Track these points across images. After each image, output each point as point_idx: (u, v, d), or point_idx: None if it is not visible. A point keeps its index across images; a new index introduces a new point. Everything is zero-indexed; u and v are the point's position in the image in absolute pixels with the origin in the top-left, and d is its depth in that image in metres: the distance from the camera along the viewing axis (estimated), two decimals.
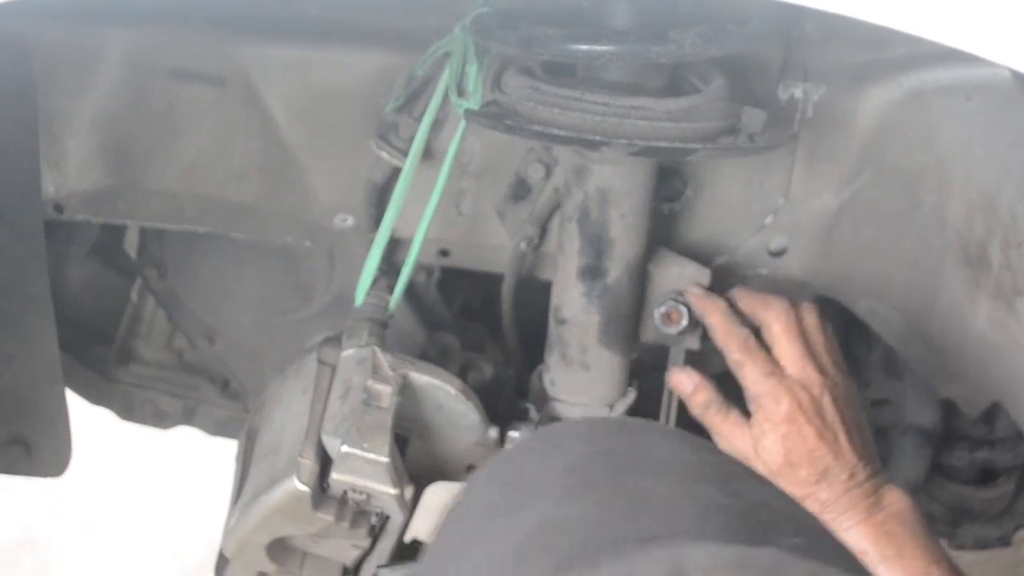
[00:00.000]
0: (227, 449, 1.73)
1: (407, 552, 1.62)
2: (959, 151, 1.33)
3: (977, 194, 1.32)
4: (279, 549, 1.50)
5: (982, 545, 1.95)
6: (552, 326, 1.51)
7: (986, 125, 1.29)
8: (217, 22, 1.50)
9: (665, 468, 0.77)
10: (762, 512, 0.71)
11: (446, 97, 1.41)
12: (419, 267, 1.66)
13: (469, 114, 1.33)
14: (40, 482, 1.76)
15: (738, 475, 0.78)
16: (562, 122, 1.25)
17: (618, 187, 1.39)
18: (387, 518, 1.45)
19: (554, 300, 1.49)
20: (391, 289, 1.50)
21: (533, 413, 1.53)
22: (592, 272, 1.44)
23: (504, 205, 1.56)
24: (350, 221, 1.60)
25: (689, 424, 1.62)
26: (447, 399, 1.43)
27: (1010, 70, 1.11)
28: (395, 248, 1.55)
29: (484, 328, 1.73)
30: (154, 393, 2.04)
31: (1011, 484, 1.85)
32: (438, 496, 1.37)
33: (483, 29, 1.31)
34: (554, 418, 1.53)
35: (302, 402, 1.45)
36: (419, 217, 1.45)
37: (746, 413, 1.42)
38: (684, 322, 1.49)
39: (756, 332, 1.43)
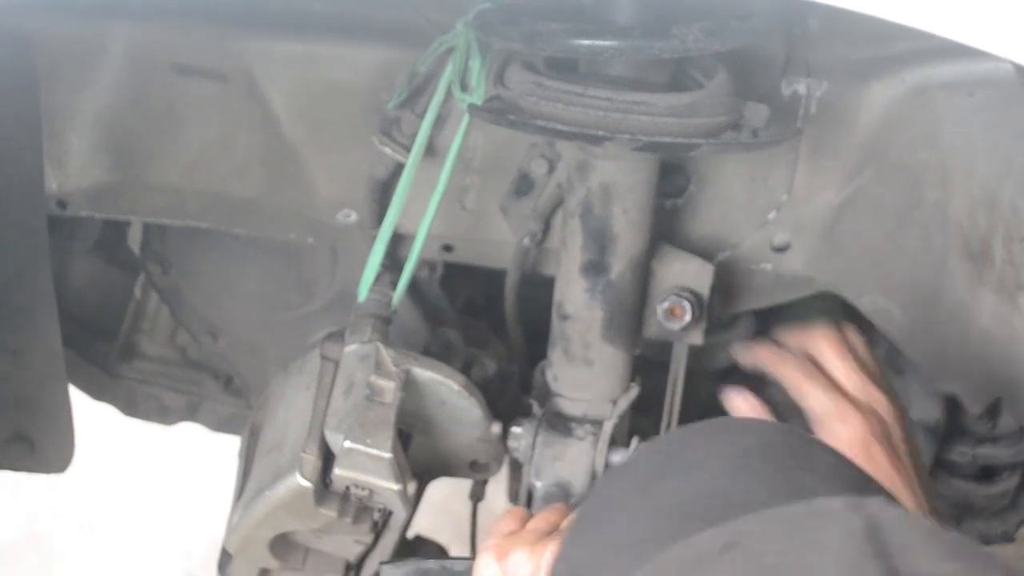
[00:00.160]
0: (230, 445, 1.73)
1: (410, 548, 1.62)
2: (962, 147, 1.33)
3: (979, 189, 1.32)
4: (282, 545, 1.50)
5: (985, 541, 1.94)
6: (555, 322, 1.50)
7: (989, 120, 1.29)
8: (219, 17, 1.50)
9: (828, 473, 0.78)
10: None
11: (449, 93, 1.41)
12: (422, 263, 1.65)
13: (472, 109, 1.33)
14: (43, 479, 1.76)
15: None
16: (565, 117, 1.25)
17: (621, 182, 1.39)
18: (390, 514, 1.45)
19: (557, 296, 1.49)
20: (394, 285, 1.50)
21: (536, 409, 1.53)
22: (595, 268, 1.44)
23: (507, 201, 1.56)
24: (353, 217, 1.60)
25: (691, 417, 1.62)
26: (450, 395, 1.43)
27: (1013, 65, 1.11)
28: (398, 244, 1.55)
29: (487, 324, 1.73)
30: (157, 389, 2.04)
31: (1014, 480, 1.85)
32: None
33: (486, 24, 1.31)
34: (557, 414, 1.53)
35: (305, 398, 1.45)
36: (422, 213, 1.45)
37: None
38: (687, 318, 1.49)
39: None
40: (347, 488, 1.38)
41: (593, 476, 1.48)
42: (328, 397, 1.42)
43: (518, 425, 1.50)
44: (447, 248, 1.62)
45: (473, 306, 1.81)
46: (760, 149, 1.34)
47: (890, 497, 0.80)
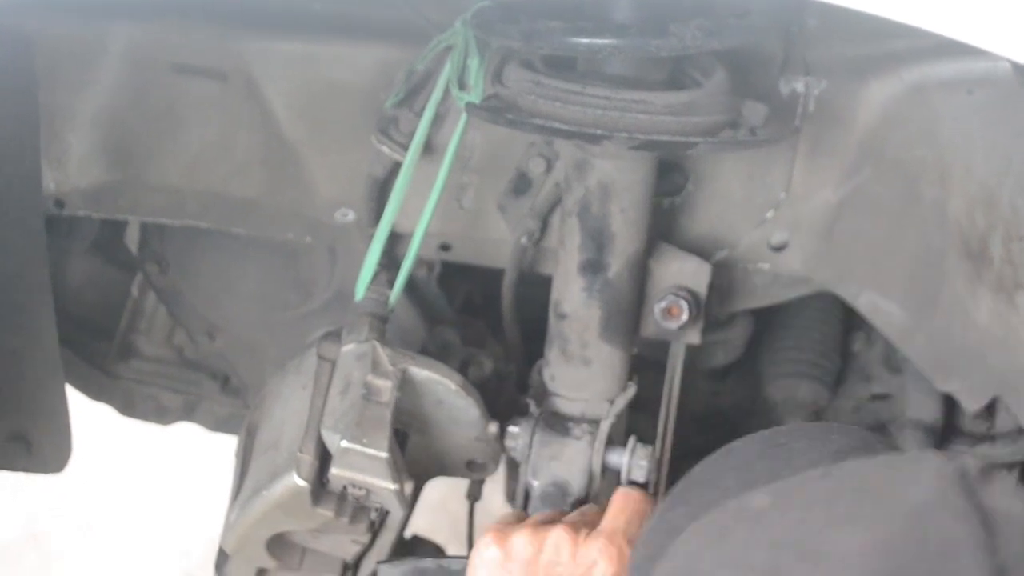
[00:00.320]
0: (228, 445, 1.73)
1: (407, 548, 1.62)
2: (960, 145, 1.33)
3: (978, 188, 1.32)
4: (279, 545, 1.50)
5: None
6: (552, 321, 1.50)
7: (987, 119, 1.28)
8: (219, 17, 1.50)
9: None
10: None
11: (447, 91, 1.41)
12: (420, 262, 1.66)
13: (470, 108, 1.33)
14: (42, 479, 1.76)
15: None
16: (563, 116, 1.24)
17: (619, 181, 1.39)
18: (387, 513, 1.45)
19: (554, 295, 1.49)
20: (392, 284, 1.50)
21: (533, 408, 1.52)
22: (593, 267, 1.44)
23: (505, 199, 1.56)
24: (351, 216, 1.60)
25: (688, 417, 1.63)
26: (447, 394, 1.43)
27: (1011, 63, 1.11)
28: (396, 243, 1.56)
29: (485, 323, 1.73)
30: (155, 389, 2.04)
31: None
32: None
33: (484, 23, 1.31)
34: (554, 413, 1.53)
35: (302, 398, 1.45)
36: (420, 212, 1.45)
37: None
38: (684, 317, 1.49)
39: None
40: (344, 488, 1.38)
41: (590, 476, 1.48)
42: (325, 396, 1.42)
43: (515, 424, 1.50)
44: (445, 247, 1.62)
45: (471, 305, 1.81)
46: (758, 147, 1.34)
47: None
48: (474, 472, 1.53)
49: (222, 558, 1.55)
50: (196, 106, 1.58)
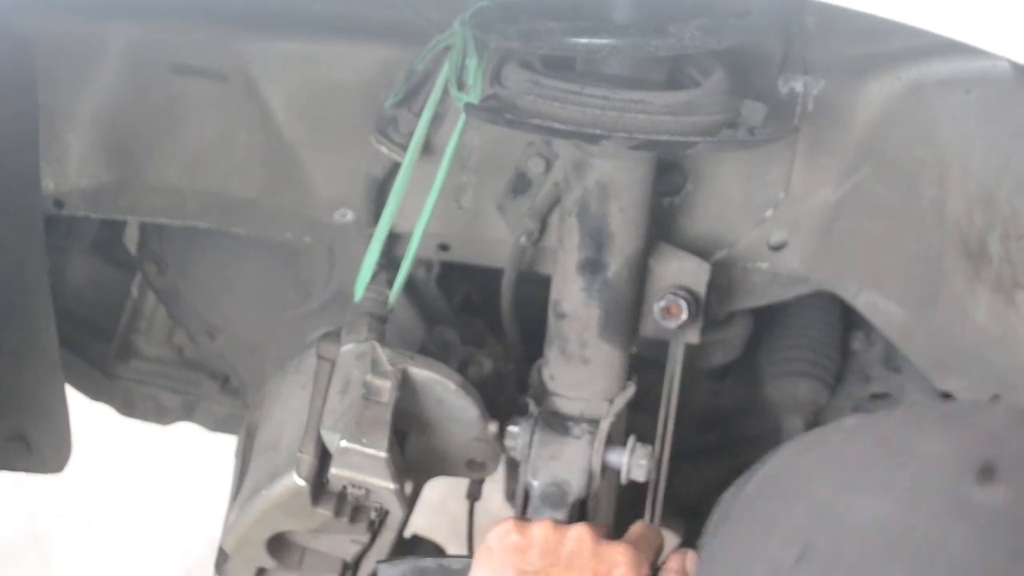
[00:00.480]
0: (228, 445, 1.73)
1: (407, 547, 1.62)
2: (959, 144, 1.33)
3: (977, 187, 1.32)
4: (278, 544, 1.50)
5: None
6: (552, 320, 1.50)
7: (986, 118, 1.29)
8: (218, 17, 1.50)
9: None
10: None
11: (446, 91, 1.41)
12: (419, 262, 1.66)
13: (469, 108, 1.33)
14: (42, 478, 1.76)
15: None
16: (562, 116, 1.24)
17: (618, 181, 1.39)
18: (386, 513, 1.45)
19: (554, 294, 1.49)
20: (391, 284, 1.50)
21: (533, 408, 1.52)
22: (592, 266, 1.44)
23: (504, 199, 1.56)
24: (350, 216, 1.60)
25: (687, 416, 1.63)
26: (447, 394, 1.43)
27: (1009, 62, 1.11)
28: (395, 243, 1.56)
29: (484, 323, 1.73)
30: (154, 389, 2.04)
31: None
32: None
33: (483, 23, 1.31)
34: (554, 413, 1.53)
35: (301, 397, 1.45)
36: (419, 212, 1.45)
37: None
38: (684, 316, 1.49)
39: None
40: (344, 487, 1.38)
41: (590, 475, 1.48)
42: (324, 396, 1.42)
43: (515, 424, 1.50)
44: (443, 247, 1.62)
45: (470, 305, 1.81)
46: (757, 147, 1.34)
47: None
48: (474, 472, 1.53)
49: (222, 558, 1.55)
50: (196, 106, 1.58)
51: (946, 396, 1.68)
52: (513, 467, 1.66)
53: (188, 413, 2.06)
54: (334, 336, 1.47)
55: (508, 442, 1.50)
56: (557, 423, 1.51)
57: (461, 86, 1.38)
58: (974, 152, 1.31)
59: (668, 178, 1.51)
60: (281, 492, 1.40)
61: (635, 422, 1.58)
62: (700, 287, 1.51)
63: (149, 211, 1.69)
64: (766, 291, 1.60)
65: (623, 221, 1.41)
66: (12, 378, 1.64)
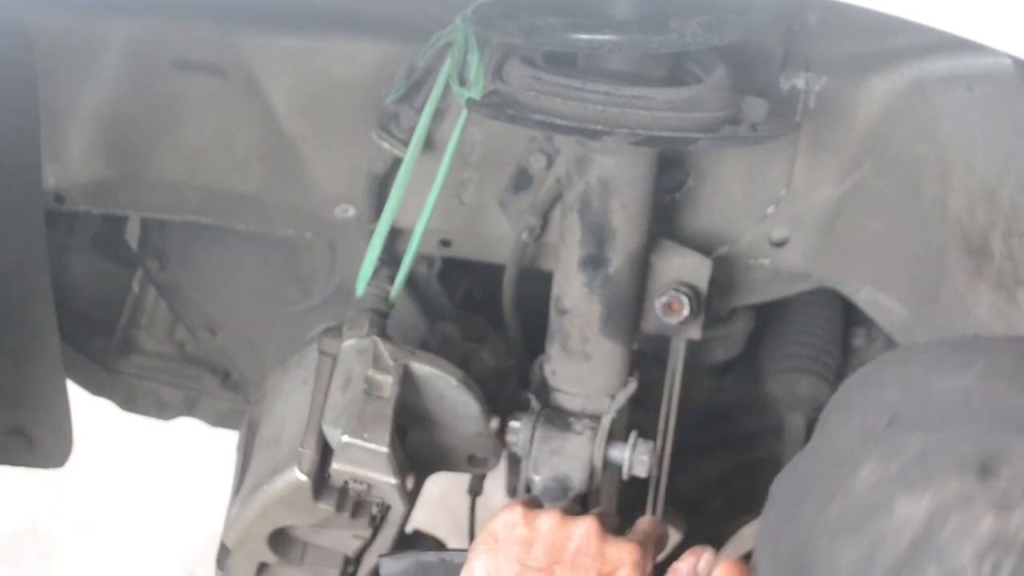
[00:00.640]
0: (229, 440, 1.73)
1: (408, 543, 1.62)
2: (961, 141, 1.33)
3: (979, 184, 1.32)
4: (280, 540, 1.50)
5: None
6: (553, 316, 1.50)
7: (988, 115, 1.29)
8: (219, 13, 1.50)
9: None
10: None
11: (447, 87, 1.41)
12: (420, 257, 1.66)
13: (471, 104, 1.33)
14: (43, 474, 1.76)
15: None
16: (563, 111, 1.25)
17: (619, 177, 1.39)
18: (388, 508, 1.45)
19: (555, 290, 1.49)
20: (392, 280, 1.50)
21: (534, 403, 1.52)
22: (593, 262, 1.44)
23: (506, 195, 1.56)
24: (351, 212, 1.60)
25: (689, 412, 1.63)
26: (448, 389, 1.43)
27: (1012, 59, 1.11)
28: (396, 239, 1.56)
29: (485, 319, 1.73)
30: (155, 384, 2.04)
31: None
32: None
33: (484, 19, 1.31)
34: (556, 408, 1.53)
35: (303, 393, 1.45)
36: (420, 207, 1.45)
37: None
38: (685, 312, 1.49)
39: None
40: (345, 482, 1.38)
41: (591, 471, 1.48)
42: (326, 391, 1.42)
43: (516, 419, 1.50)
44: (445, 243, 1.62)
45: (471, 301, 1.81)
46: (759, 143, 1.34)
47: None
48: (475, 467, 1.53)
49: (223, 553, 1.55)
50: (196, 102, 1.58)
51: None
52: (514, 462, 1.66)
53: (189, 408, 2.06)
54: (335, 331, 1.47)
55: (509, 437, 1.50)
56: (559, 419, 1.51)
57: (463, 82, 1.38)
58: (976, 149, 1.31)
59: (670, 174, 1.51)
60: (283, 487, 1.40)
61: (637, 418, 1.58)
62: (702, 283, 1.51)
63: (150, 207, 1.69)
64: (768, 287, 1.60)
65: (625, 217, 1.41)
66: (13, 373, 1.64)
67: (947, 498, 0.66)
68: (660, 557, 1.27)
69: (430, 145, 1.50)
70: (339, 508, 1.40)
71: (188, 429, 2.16)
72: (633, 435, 1.50)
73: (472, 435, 1.47)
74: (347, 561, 1.55)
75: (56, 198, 1.66)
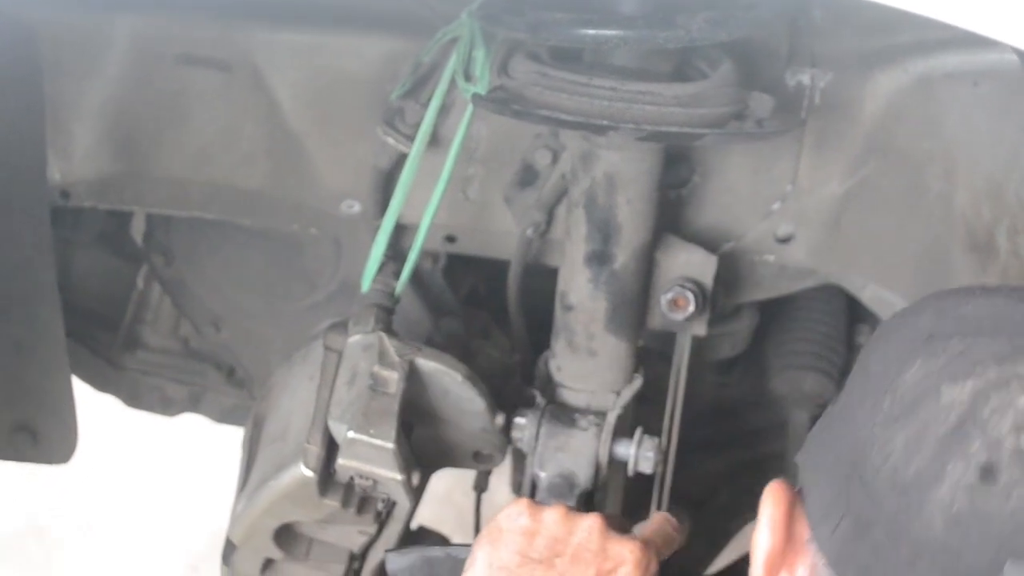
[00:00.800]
0: (233, 436, 1.73)
1: (413, 539, 1.62)
2: (966, 137, 1.33)
3: (984, 181, 1.32)
4: (286, 535, 1.51)
5: None
6: (558, 312, 1.50)
7: (993, 111, 1.29)
8: (224, 7, 1.50)
9: None
10: None
11: (453, 83, 1.41)
12: (425, 253, 1.65)
13: (476, 99, 1.33)
14: (46, 472, 1.76)
15: None
16: (569, 107, 1.24)
17: (625, 172, 1.39)
18: (393, 504, 1.45)
19: (561, 286, 1.49)
20: (397, 276, 1.50)
21: (539, 400, 1.52)
22: (599, 258, 1.44)
23: (511, 191, 1.56)
24: (356, 207, 1.60)
25: (694, 408, 1.63)
26: (453, 385, 1.43)
27: (1018, 56, 1.11)
28: (401, 234, 1.55)
29: (490, 315, 1.73)
30: (160, 380, 2.04)
31: None
32: None
33: (490, 14, 1.31)
34: (561, 405, 1.53)
35: (308, 388, 1.45)
36: (425, 203, 1.45)
37: None
38: (691, 308, 1.49)
39: None
40: (351, 478, 1.38)
41: (596, 467, 1.48)
42: (331, 387, 1.42)
43: (521, 416, 1.50)
44: (450, 239, 1.62)
45: (476, 297, 1.81)
46: (764, 139, 1.34)
47: None
48: (480, 463, 1.53)
49: (229, 548, 1.55)
50: (201, 97, 1.58)
51: None
52: (520, 459, 1.66)
53: (194, 404, 2.06)
54: (341, 327, 1.47)
55: (515, 434, 1.50)
56: (564, 415, 1.51)
57: (468, 77, 1.38)
58: (982, 145, 1.31)
59: (675, 170, 1.51)
60: (288, 483, 1.40)
61: (642, 414, 1.58)
62: (707, 279, 1.50)
63: (154, 202, 1.69)
64: (773, 284, 1.60)
65: (630, 213, 1.41)
66: (18, 369, 1.65)
67: (987, 383, 0.76)
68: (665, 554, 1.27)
69: (435, 141, 1.49)
70: (345, 504, 1.41)
71: (189, 427, 2.16)
72: (638, 431, 1.50)
73: (477, 431, 1.47)
74: (352, 557, 1.55)
75: (61, 194, 1.66)
